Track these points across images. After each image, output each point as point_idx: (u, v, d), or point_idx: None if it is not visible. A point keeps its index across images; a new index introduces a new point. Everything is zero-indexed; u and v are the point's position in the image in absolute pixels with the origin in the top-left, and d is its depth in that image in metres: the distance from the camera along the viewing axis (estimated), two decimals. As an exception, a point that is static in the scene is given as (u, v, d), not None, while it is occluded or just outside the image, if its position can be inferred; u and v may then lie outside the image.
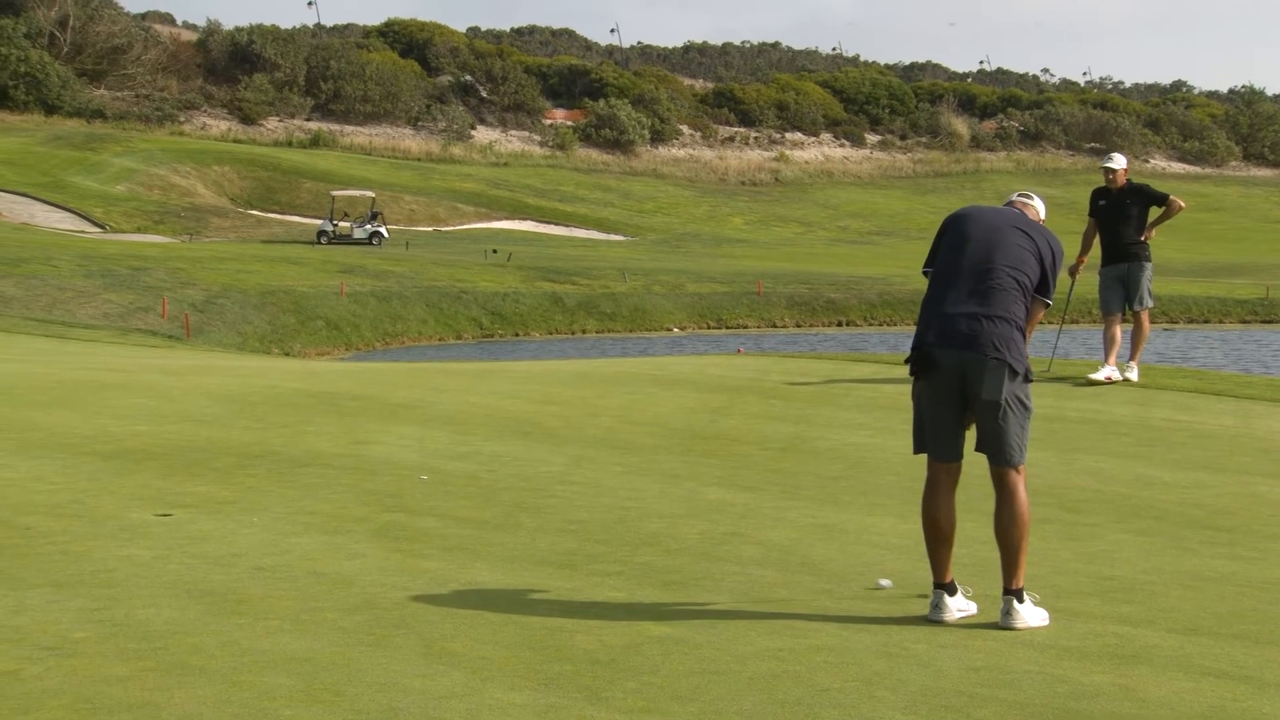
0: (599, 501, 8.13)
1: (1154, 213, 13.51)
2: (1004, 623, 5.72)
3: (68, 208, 58.22)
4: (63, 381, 13.45)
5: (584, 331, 42.83)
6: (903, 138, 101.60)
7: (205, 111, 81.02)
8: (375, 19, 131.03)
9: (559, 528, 7.43)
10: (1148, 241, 13.52)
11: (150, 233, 55.87)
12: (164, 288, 37.32)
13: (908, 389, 13.42)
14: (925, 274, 6.13)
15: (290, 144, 78.72)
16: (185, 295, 37.02)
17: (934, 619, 5.83)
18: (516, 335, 41.43)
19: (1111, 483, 9.05)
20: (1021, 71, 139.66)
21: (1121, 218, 13.42)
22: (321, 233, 56.89)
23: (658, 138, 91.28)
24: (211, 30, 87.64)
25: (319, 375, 15.42)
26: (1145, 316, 13.65)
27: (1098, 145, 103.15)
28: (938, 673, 5.10)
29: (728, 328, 44.48)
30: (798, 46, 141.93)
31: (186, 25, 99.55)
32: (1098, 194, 13.67)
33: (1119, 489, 8.86)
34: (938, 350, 5.84)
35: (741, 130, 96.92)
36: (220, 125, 79.86)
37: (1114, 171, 13.47)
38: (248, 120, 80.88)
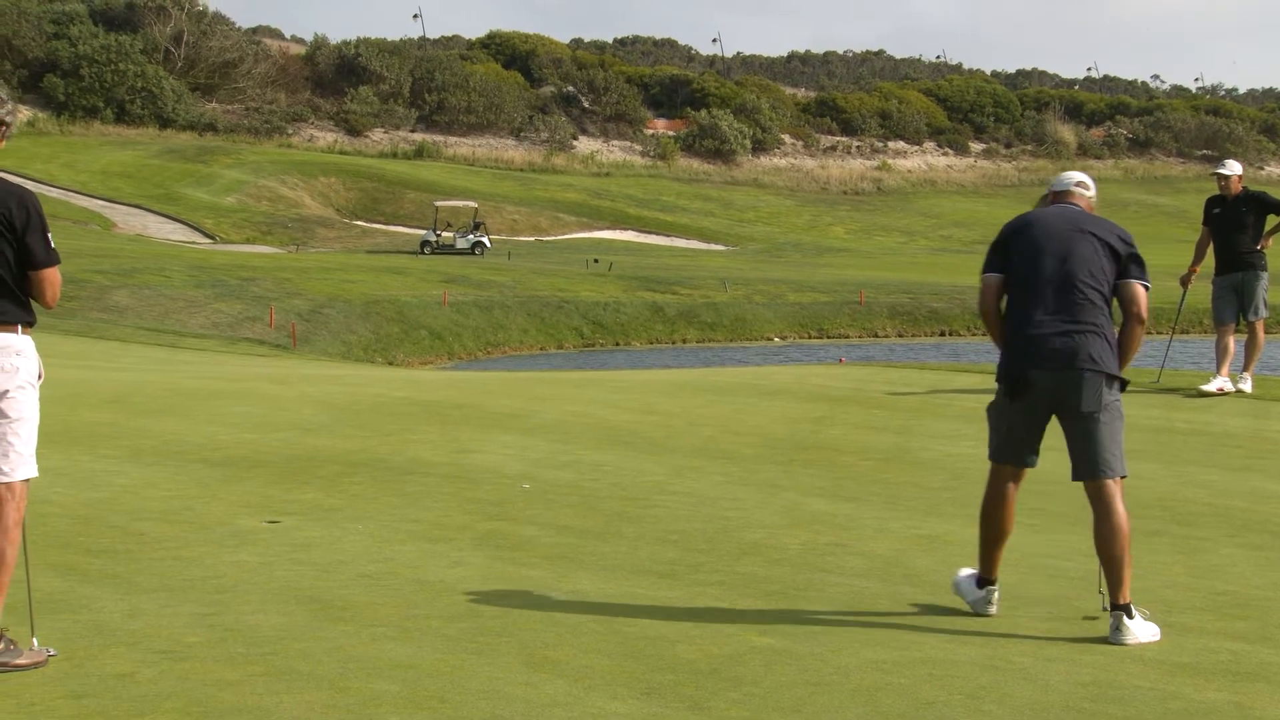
0: (700, 511, 8.11)
1: (1271, 221, 13.24)
2: (1114, 639, 5.62)
3: (180, 219, 59.50)
4: (174, 390, 13.73)
5: (684, 341, 42.83)
6: (1008, 146, 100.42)
7: (312, 124, 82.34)
8: (479, 31, 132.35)
9: (660, 537, 7.43)
10: (1264, 250, 13.23)
11: (258, 243, 56.88)
12: (271, 297, 37.98)
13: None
14: (985, 279, 6.12)
15: (395, 155, 79.73)
16: (291, 305, 37.64)
17: (984, 613, 5.97)
18: (617, 345, 41.54)
19: (1225, 496, 8.85)
20: (1130, 78, 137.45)
21: (1236, 226, 13.13)
22: (425, 243, 57.49)
23: (759, 147, 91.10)
24: (319, 44, 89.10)
25: (422, 384, 15.58)
26: (1260, 327, 13.39)
27: (1210, 152, 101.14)
28: (1045, 687, 5.02)
29: (829, 337, 44.23)
30: (900, 55, 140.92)
31: (295, 39, 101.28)
32: (1212, 202, 13.39)
33: (1233, 502, 8.66)
34: (1033, 372, 5.92)
35: (844, 139, 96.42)
36: (327, 137, 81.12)
37: (1227, 178, 13.19)
38: (353, 132, 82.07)
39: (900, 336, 44.76)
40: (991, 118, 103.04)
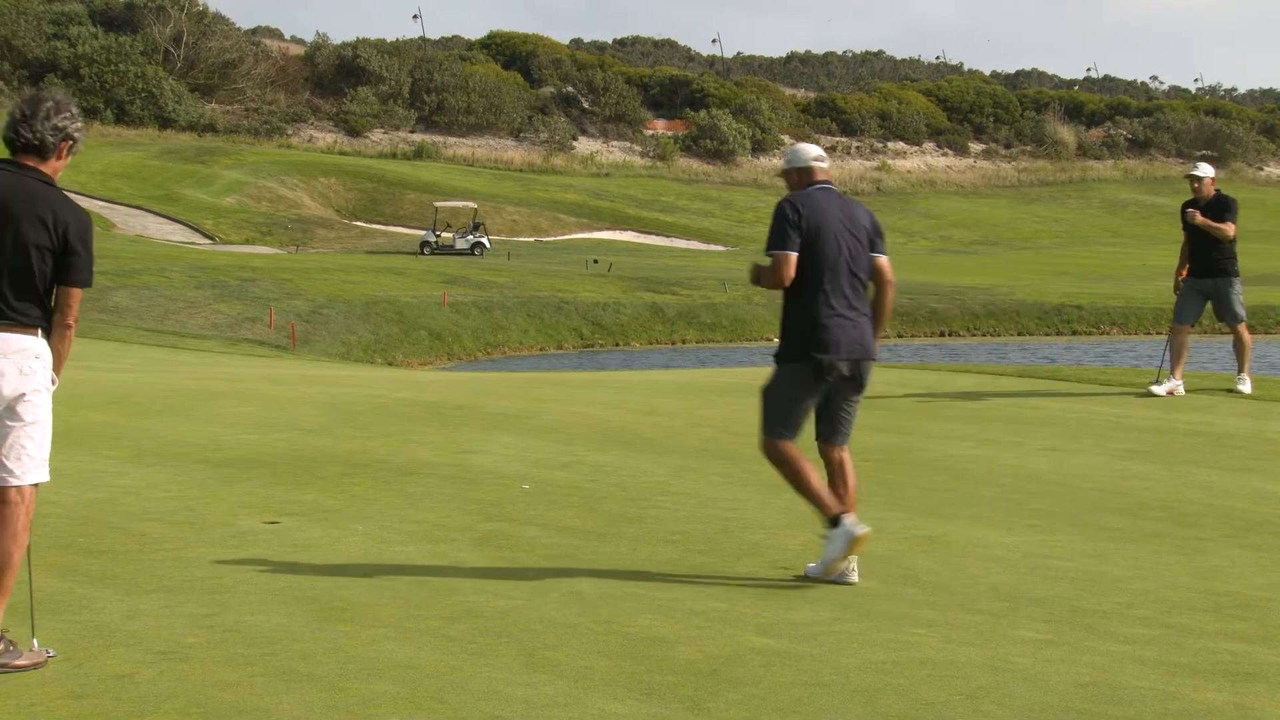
0: (700, 512, 8.12)
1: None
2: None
3: (179, 220, 59.55)
4: (174, 391, 13.73)
5: (684, 341, 42.84)
6: (1007, 146, 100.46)
7: (312, 124, 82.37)
8: (479, 31, 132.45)
9: (660, 538, 7.43)
10: (1233, 254, 13.21)
11: (258, 244, 56.91)
12: (271, 298, 37.99)
13: (1013, 401, 13.27)
14: (786, 256, 6.48)
15: (394, 156, 79.74)
16: (291, 306, 37.65)
17: (856, 534, 6.37)
18: (617, 345, 41.56)
19: (1225, 496, 8.85)
20: (1130, 78, 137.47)
21: (1204, 231, 13.14)
22: (424, 243, 57.51)
23: (759, 148, 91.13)
24: (319, 44, 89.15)
25: (422, 385, 15.59)
26: (1243, 329, 13.33)
27: (1209, 153, 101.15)
28: (1045, 688, 5.02)
29: (829, 338, 44.23)
30: (900, 55, 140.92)
31: (294, 40, 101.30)
32: (1186, 205, 13.39)
33: (1233, 503, 8.66)
34: (840, 360, 6.49)
35: (843, 140, 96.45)
36: (326, 138, 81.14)
37: (1200, 180, 13.20)
38: (353, 133, 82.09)
39: (900, 337, 44.78)
40: (991, 118, 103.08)
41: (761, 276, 6.64)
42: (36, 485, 5.15)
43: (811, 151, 6.77)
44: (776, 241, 6.50)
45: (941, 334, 45.42)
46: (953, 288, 49.81)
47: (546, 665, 5.18)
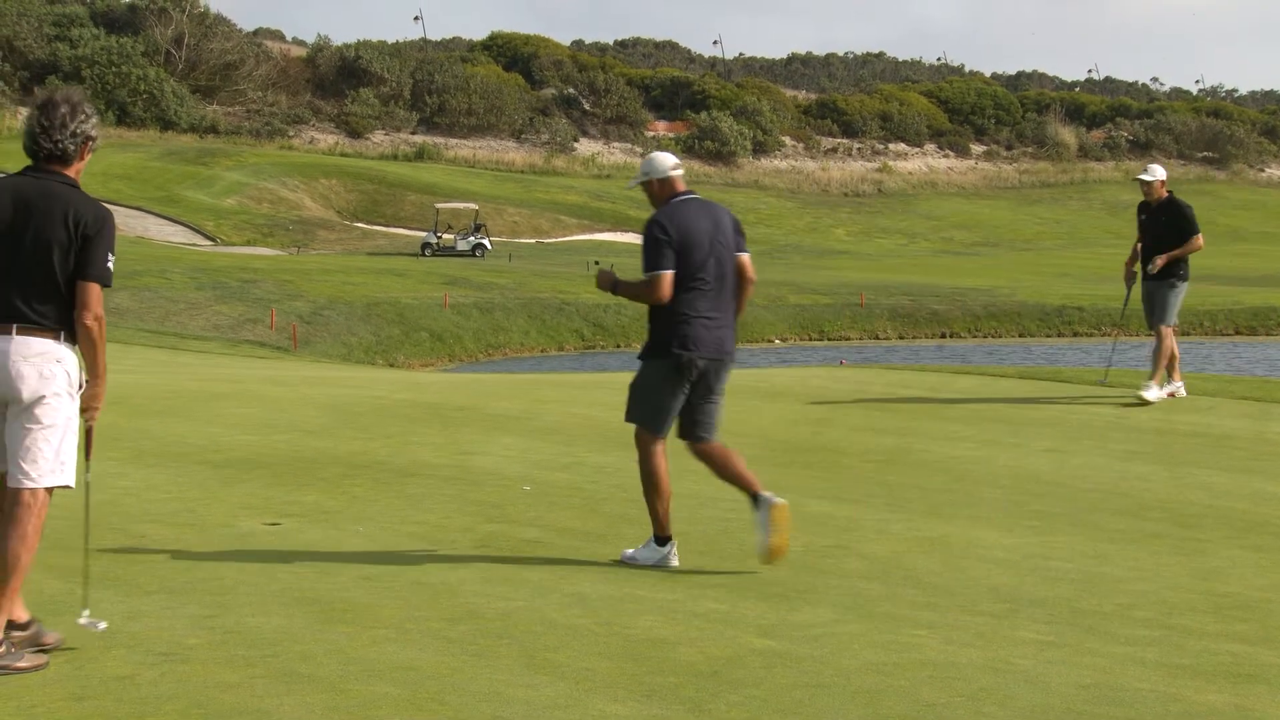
0: (701, 513, 8.12)
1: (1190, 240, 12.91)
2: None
3: (181, 221, 59.54)
4: (175, 392, 13.74)
5: (686, 343, 42.83)
6: (1008, 148, 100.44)
7: (313, 126, 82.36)
8: (480, 33, 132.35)
9: (661, 539, 7.42)
10: (1184, 261, 12.88)
11: (259, 245, 56.91)
12: (272, 299, 38.00)
13: (1013, 403, 13.25)
14: (664, 276, 6.84)
15: (395, 157, 79.75)
16: (292, 307, 37.66)
17: (669, 566, 6.76)
18: (618, 346, 41.56)
19: (1225, 498, 8.85)
20: (1131, 80, 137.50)
21: (1159, 233, 12.90)
22: (426, 245, 57.51)
23: (760, 149, 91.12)
24: (320, 46, 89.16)
25: (423, 386, 15.59)
26: (1168, 333, 12.85)
27: (1211, 154, 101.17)
28: (1046, 689, 5.02)
29: (829, 339, 44.25)
30: (902, 57, 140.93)
31: (296, 41, 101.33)
32: (1140, 208, 13.22)
33: (1233, 504, 8.66)
34: (693, 354, 6.85)
35: (844, 141, 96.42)
36: (328, 139, 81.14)
37: (1149, 183, 12.97)
38: (354, 134, 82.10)
39: (901, 338, 44.79)
40: (992, 120, 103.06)
41: (640, 294, 7.00)
42: (51, 490, 5.15)
43: (669, 161, 7.05)
44: (652, 262, 6.85)
45: (943, 335, 45.42)
46: (954, 289, 49.81)
47: (548, 667, 5.18)
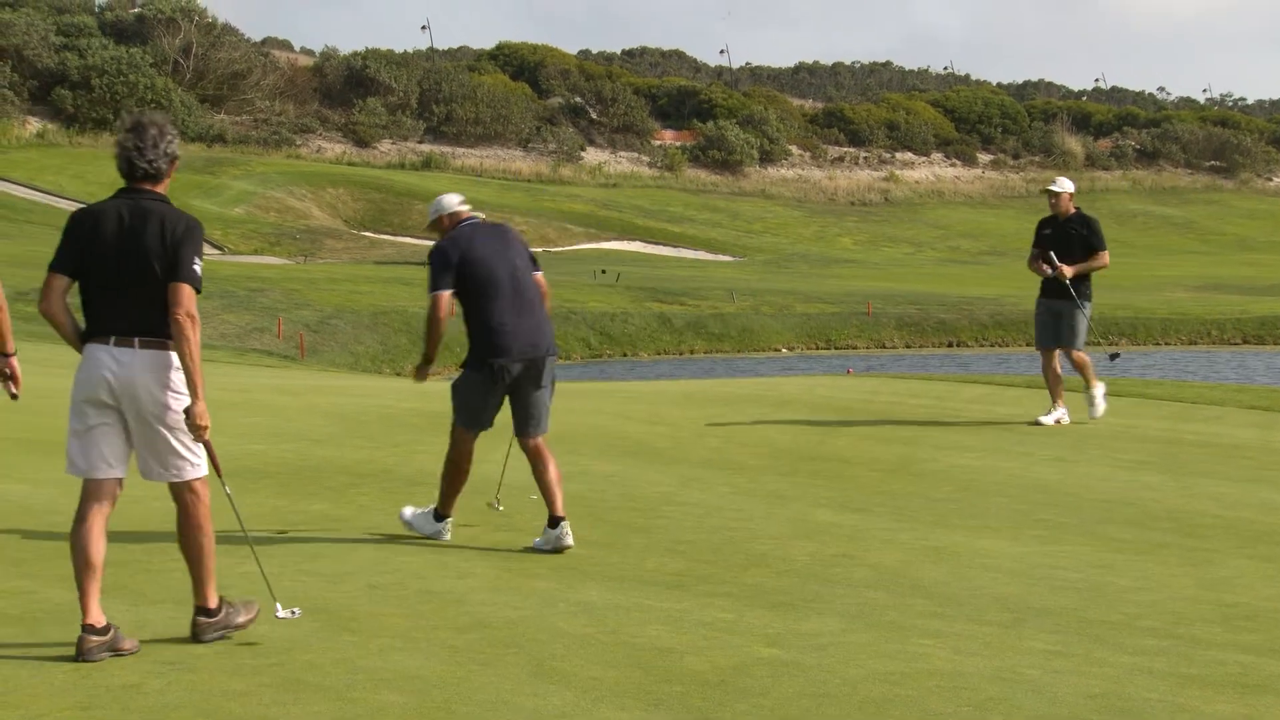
0: (707, 522, 8.11)
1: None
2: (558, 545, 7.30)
3: (188, 230, 59.52)
4: (183, 400, 13.74)
5: (692, 352, 42.82)
6: (1015, 157, 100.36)
7: (320, 135, 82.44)
8: (487, 42, 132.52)
9: (667, 548, 7.43)
10: (1088, 278, 12.21)
11: (266, 254, 56.96)
12: (279, 308, 38.03)
13: (1019, 411, 13.23)
14: (442, 296, 7.62)
15: (403, 166, 79.80)
16: (300, 316, 37.69)
17: (441, 538, 7.55)
18: (625, 355, 41.55)
19: (1234, 507, 8.84)
20: (1138, 89, 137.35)
21: (1065, 248, 12.15)
22: (433, 254, 57.43)
23: (766, 158, 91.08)
24: (328, 55, 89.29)
25: (430, 395, 15.58)
26: (1080, 355, 12.21)
27: (1218, 163, 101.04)
28: (1054, 699, 5.01)
29: (836, 348, 44.19)
30: (908, 66, 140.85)
31: (303, 51, 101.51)
32: (1043, 223, 12.42)
33: (1241, 514, 8.65)
34: (504, 360, 7.44)
35: (851, 150, 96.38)
36: (335, 148, 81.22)
37: (1057, 195, 12.26)
38: (362, 143, 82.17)
39: (908, 347, 44.73)
40: (999, 129, 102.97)
41: (427, 324, 7.77)
42: (205, 479, 5.70)
43: (455, 199, 7.86)
44: (432, 284, 7.59)
45: (949, 344, 45.35)
46: (961, 298, 49.75)
47: (554, 676, 5.18)
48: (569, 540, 7.32)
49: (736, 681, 5.14)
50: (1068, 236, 12.22)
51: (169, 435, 5.54)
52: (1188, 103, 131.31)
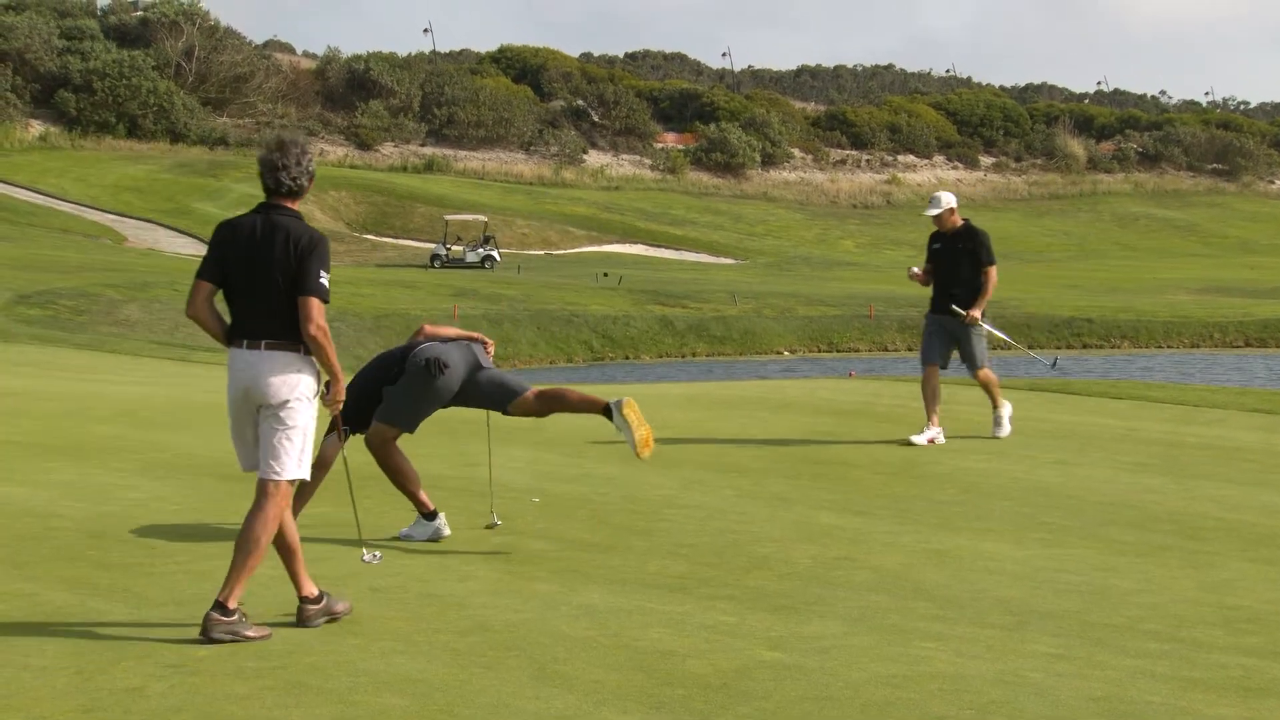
0: (709, 525, 8.11)
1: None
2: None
3: (190, 233, 59.63)
4: (185, 404, 13.76)
5: (694, 355, 42.83)
6: (1017, 160, 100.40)
7: (323, 138, 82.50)
8: (489, 45, 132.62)
9: (669, 551, 7.43)
10: (978, 300, 11.55)
11: (269, 257, 56.92)
12: (282, 311, 38.00)
13: (1020, 414, 13.21)
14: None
15: (405, 169, 79.88)
16: (303, 319, 37.68)
17: (443, 536, 7.68)
18: (627, 358, 41.56)
19: (1236, 510, 8.83)
20: (1140, 92, 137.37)
21: (953, 264, 11.57)
22: (435, 256, 57.56)
23: (769, 161, 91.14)
24: (330, 58, 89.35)
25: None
26: (985, 375, 11.75)
27: (1220, 166, 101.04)
28: (1056, 702, 5.01)
29: (839, 351, 44.20)
30: (910, 69, 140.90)
31: (306, 54, 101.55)
32: (932, 238, 11.87)
33: (1244, 517, 8.64)
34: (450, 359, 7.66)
35: (853, 153, 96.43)
36: (337, 151, 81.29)
37: (938, 215, 11.62)
38: (364, 146, 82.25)
39: (910, 350, 44.67)
40: (1001, 131, 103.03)
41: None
42: (294, 482, 5.90)
43: None
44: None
45: (952, 347, 45.36)
46: (963, 301, 49.72)
47: (556, 679, 5.18)
48: (445, 532, 7.71)
49: (739, 685, 5.14)
50: (956, 251, 11.61)
51: (281, 434, 5.82)
52: (1190, 105, 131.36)
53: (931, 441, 11.32)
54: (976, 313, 11.55)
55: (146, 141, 74.03)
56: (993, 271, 11.65)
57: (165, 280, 41.10)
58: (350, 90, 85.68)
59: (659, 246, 70.85)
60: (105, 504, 8.44)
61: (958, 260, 11.61)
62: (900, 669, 5.36)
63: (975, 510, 8.75)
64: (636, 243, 70.91)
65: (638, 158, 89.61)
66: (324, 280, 5.81)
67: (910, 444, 11.26)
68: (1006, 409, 11.87)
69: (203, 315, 5.94)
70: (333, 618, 5.90)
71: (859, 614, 6.20)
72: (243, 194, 66.91)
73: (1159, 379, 30.23)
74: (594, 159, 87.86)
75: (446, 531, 7.72)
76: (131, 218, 60.80)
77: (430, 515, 7.73)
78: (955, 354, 11.92)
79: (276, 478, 5.83)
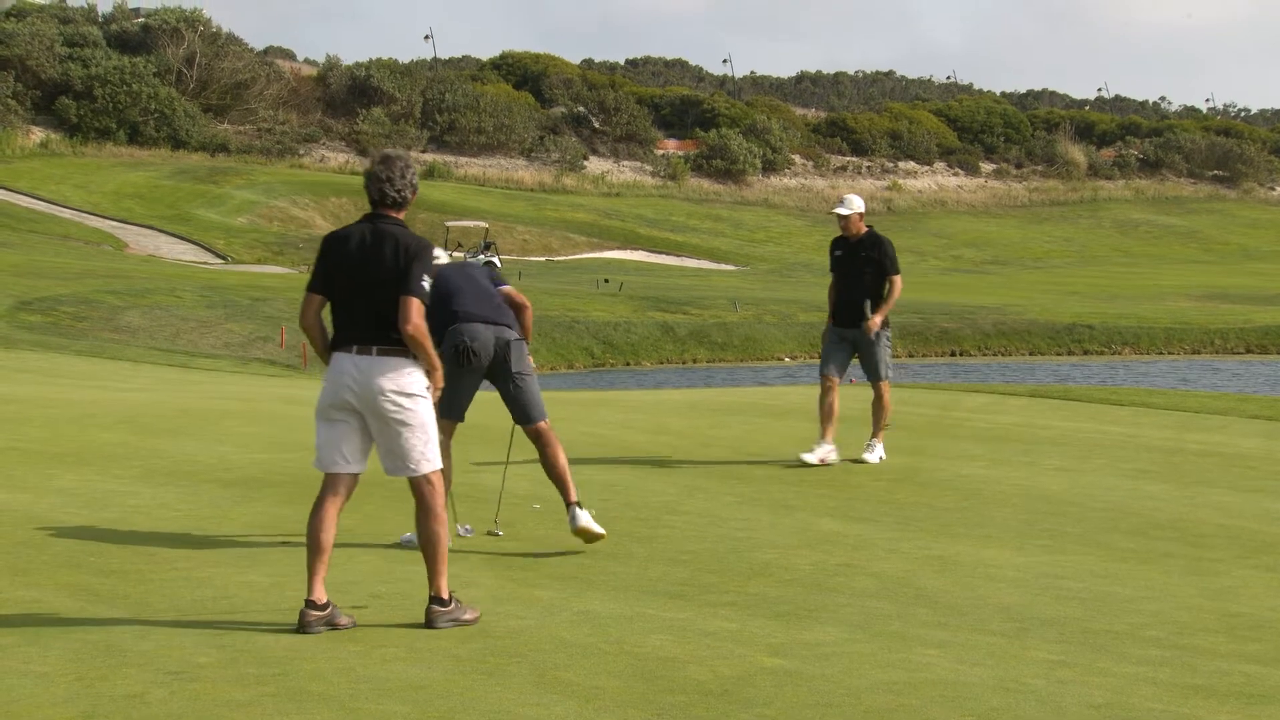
0: (711, 531, 8.11)
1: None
2: (573, 525, 7.54)
3: (191, 240, 59.66)
4: (185, 410, 13.76)
5: (695, 361, 42.83)
6: (1018, 166, 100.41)
7: (324, 144, 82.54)
8: (490, 52, 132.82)
9: (671, 557, 7.43)
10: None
11: (270, 263, 56.99)
12: (283, 317, 38.03)
13: (1021, 420, 13.26)
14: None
15: (406, 176, 79.83)
16: (304, 325, 37.66)
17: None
18: (627, 364, 41.56)
19: (1237, 517, 8.83)
20: (1141, 99, 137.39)
21: (857, 272, 11.10)
22: (436, 263, 57.47)
23: (769, 167, 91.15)
24: (331, 65, 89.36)
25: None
26: (886, 388, 11.15)
27: (1220, 173, 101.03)
28: (1058, 710, 5.00)
29: (840, 357, 44.19)
30: (911, 75, 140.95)
31: (307, 60, 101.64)
32: (835, 244, 11.51)
33: (1245, 523, 8.64)
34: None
35: (854, 159, 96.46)
36: (338, 158, 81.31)
37: (846, 217, 11.27)
38: (365, 152, 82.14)
39: (911, 356, 44.70)
40: (1002, 138, 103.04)
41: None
42: (440, 473, 6.17)
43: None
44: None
45: (953, 353, 45.35)
46: (964, 307, 49.75)
47: (557, 685, 5.17)
48: (579, 523, 7.64)
49: (740, 691, 5.14)
50: (858, 259, 11.17)
51: (404, 433, 6.06)
52: (1190, 112, 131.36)
53: (823, 461, 10.56)
54: (877, 320, 11.00)
55: (147, 148, 74.03)
56: (898, 280, 11.19)
57: (166, 287, 41.11)
58: (351, 97, 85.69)
59: (660, 253, 70.87)
60: (106, 511, 8.44)
61: (861, 268, 11.12)
62: (901, 676, 5.35)
63: (976, 517, 8.74)
64: (637, 249, 70.93)
65: (638, 164, 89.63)
66: (426, 284, 6.09)
67: (803, 462, 10.52)
68: (879, 448, 10.90)
69: (313, 327, 6.21)
70: (334, 627, 5.94)
71: (860, 621, 6.19)
72: (244, 200, 66.97)
73: (1160, 385, 30.22)
74: (595, 165, 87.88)
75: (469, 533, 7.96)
76: (132, 224, 60.81)
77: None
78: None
79: (427, 470, 6.12)
